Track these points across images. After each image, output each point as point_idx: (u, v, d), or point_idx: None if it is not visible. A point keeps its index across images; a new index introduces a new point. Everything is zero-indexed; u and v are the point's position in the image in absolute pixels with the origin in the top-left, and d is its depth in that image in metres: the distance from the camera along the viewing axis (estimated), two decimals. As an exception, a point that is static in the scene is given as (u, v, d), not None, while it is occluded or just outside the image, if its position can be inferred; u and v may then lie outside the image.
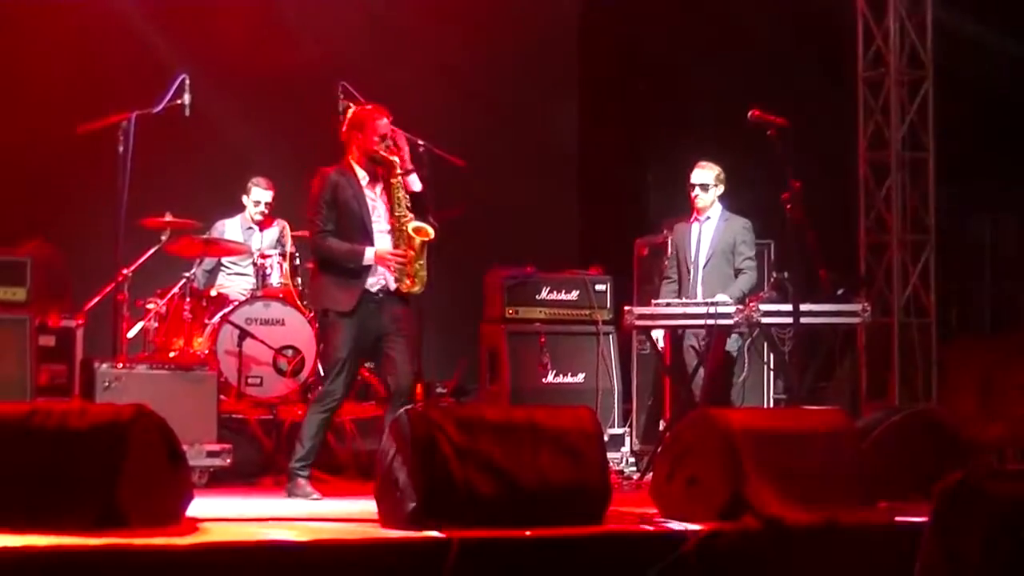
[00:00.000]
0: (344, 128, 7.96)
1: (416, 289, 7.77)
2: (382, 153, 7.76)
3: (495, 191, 12.27)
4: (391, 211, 7.79)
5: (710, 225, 9.17)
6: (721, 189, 9.16)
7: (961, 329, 12.11)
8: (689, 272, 9.13)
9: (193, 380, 8.47)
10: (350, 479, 8.73)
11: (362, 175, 7.82)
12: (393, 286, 7.74)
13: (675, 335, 9.08)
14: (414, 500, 5.60)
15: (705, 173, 9.15)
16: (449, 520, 5.46)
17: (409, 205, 7.80)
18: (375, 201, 7.82)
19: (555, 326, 10.15)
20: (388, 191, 7.81)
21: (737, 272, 9.09)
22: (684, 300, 8.96)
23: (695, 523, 5.84)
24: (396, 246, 7.74)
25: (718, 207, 9.19)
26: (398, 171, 7.76)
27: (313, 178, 7.86)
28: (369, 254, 7.67)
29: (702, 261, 9.13)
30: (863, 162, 12.00)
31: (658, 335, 9.18)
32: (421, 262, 7.76)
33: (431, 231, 7.75)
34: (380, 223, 7.79)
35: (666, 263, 9.48)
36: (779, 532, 5.83)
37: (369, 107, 8.00)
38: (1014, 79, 11.36)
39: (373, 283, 7.75)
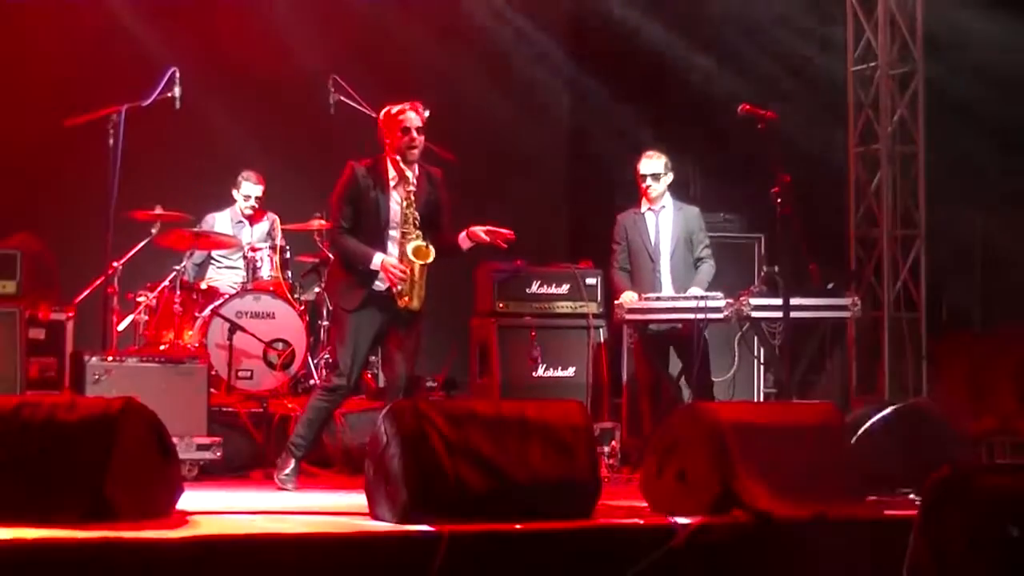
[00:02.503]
0: (379, 127, 7.87)
1: (413, 306, 7.76)
2: (401, 165, 7.70)
3: (485, 185, 12.26)
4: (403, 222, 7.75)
5: (667, 215, 9.27)
6: (671, 177, 9.29)
7: (951, 323, 12.11)
8: (651, 262, 9.18)
9: (183, 373, 8.45)
10: (340, 473, 8.73)
11: (392, 174, 7.78)
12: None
13: (643, 332, 9.14)
14: (404, 494, 5.61)
15: (654, 163, 9.25)
16: (439, 513, 5.46)
17: (418, 222, 7.75)
18: (402, 200, 7.76)
19: (545, 320, 10.13)
20: (421, 218, 7.76)
21: (697, 260, 9.18)
22: (645, 292, 9.01)
23: (685, 517, 5.84)
24: (400, 259, 7.71)
25: (668, 196, 9.31)
26: (411, 187, 7.72)
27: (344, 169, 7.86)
28: (376, 260, 7.66)
29: (666, 252, 9.21)
30: (853, 156, 12.00)
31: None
32: (419, 282, 7.73)
33: (431, 254, 7.72)
34: (399, 227, 7.77)
35: (615, 252, 9.44)
36: (768, 526, 5.84)
37: (399, 106, 7.82)
38: (1005, 72, 11.36)
39: (383, 285, 7.75)
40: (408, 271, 7.68)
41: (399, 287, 7.68)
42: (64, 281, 10.07)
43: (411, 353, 7.95)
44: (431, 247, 7.73)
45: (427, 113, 7.80)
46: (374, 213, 7.73)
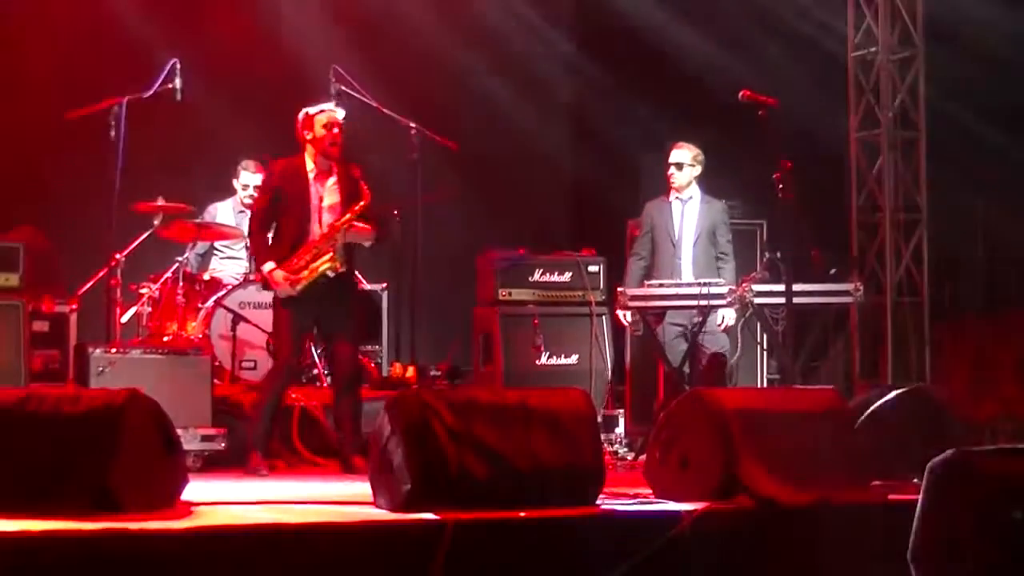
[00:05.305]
0: (297, 128, 8.24)
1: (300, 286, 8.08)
2: (320, 160, 8.14)
3: (487, 173, 12.27)
4: (337, 218, 8.11)
5: (693, 205, 9.34)
6: (698, 170, 9.39)
7: (954, 308, 12.11)
8: (674, 249, 9.22)
9: (187, 364, 8.46)
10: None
11: (311, 167, 8.16)
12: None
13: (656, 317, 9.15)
14: (408, 483, 5.61)
15: (681, 153, 9.37)
16: (443, 502, 5.47)
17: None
18: (323, 191, 8.15)
19: (548, 308, 10.13)
20: (344, 208, 8.12)
21: (719, 256, 9.22)
22: (661, 280, 9.01)
23: (689, 503, 5.85)
24: (321, 238, 8.05)
25: (696, 188, 9.40)
26: (360, 204, 8.09)
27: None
28: (266, 268, 8.10)
29: (689, 240, 9.30)
30: (854, 141, 11.99)
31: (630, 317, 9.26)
32: (312, 281, 8.04)
33: (340, 267, 8.07)
34: (324, 215, 8.13)
35: (636, 239, 9.57)
36: (772, 512, 5.85)
37: (319, 106, 8.32)
38: (1005, 55, 11.34)
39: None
40: (302, 277, 8.00)
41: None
42: (67, 273, 10.06)
43: (352, 332, 8.29)
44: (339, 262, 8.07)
45: (343, 114, 8.30)
46: (298, 204, 8.11)
